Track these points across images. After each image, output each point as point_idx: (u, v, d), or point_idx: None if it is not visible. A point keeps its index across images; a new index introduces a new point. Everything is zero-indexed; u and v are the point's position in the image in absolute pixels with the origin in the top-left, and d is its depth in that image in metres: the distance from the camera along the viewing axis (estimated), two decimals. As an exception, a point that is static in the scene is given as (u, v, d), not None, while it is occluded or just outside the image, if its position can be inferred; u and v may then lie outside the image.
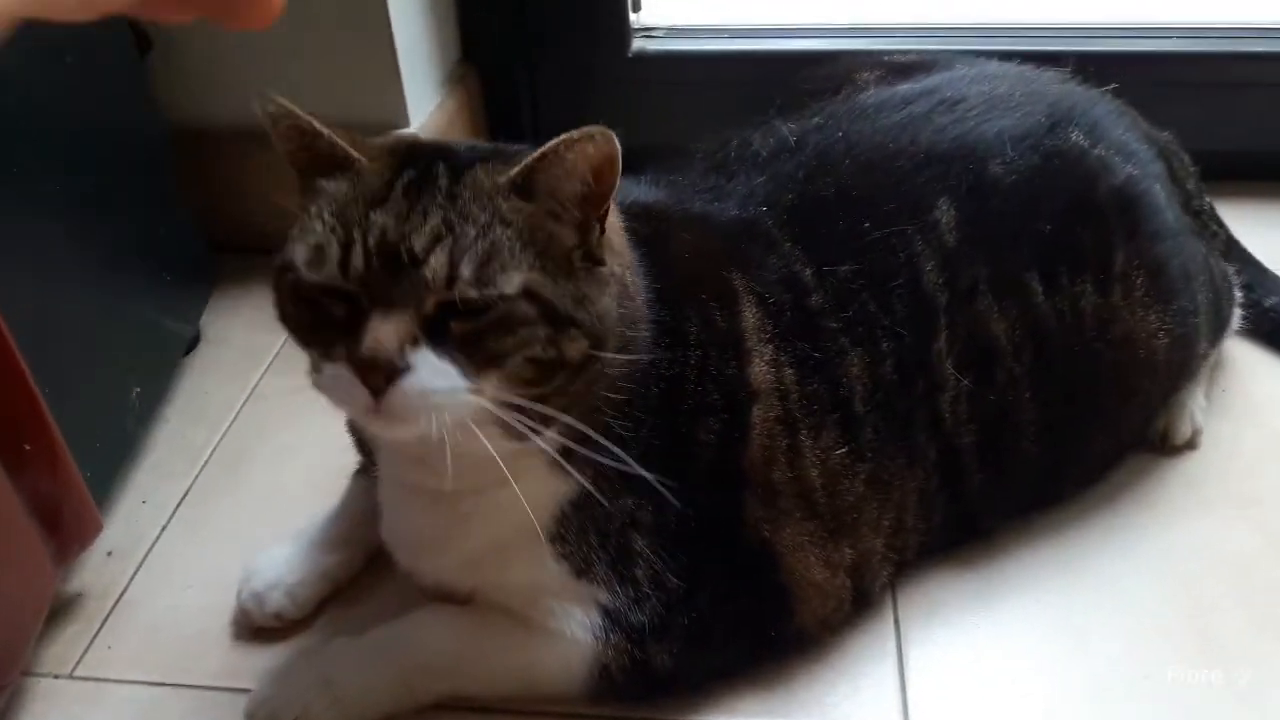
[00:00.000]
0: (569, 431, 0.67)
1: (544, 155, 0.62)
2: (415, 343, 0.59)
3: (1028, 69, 0.95)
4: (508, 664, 0.77)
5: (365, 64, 1.15)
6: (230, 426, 1.09)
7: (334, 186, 0.64)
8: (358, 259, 0.60)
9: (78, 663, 0.86)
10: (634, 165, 0.71)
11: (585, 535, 0.72)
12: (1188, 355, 0.93)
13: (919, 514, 0.83)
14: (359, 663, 0.78)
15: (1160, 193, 0.90)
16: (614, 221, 0.70)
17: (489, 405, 0.62)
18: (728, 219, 0.82)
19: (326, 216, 0.62)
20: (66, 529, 0.84)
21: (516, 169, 0.63)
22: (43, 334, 0.82)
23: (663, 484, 0.70)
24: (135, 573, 0.93)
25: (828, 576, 0.79)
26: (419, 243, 0.59)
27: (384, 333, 0.58)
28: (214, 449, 1.07)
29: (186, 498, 1.01)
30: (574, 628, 0.74)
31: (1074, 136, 0.87)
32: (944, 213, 0.82)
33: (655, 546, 0.73)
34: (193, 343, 1.18)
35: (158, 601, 0.91)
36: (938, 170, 0.83)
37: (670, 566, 0.74)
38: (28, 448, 0.79)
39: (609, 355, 0.65)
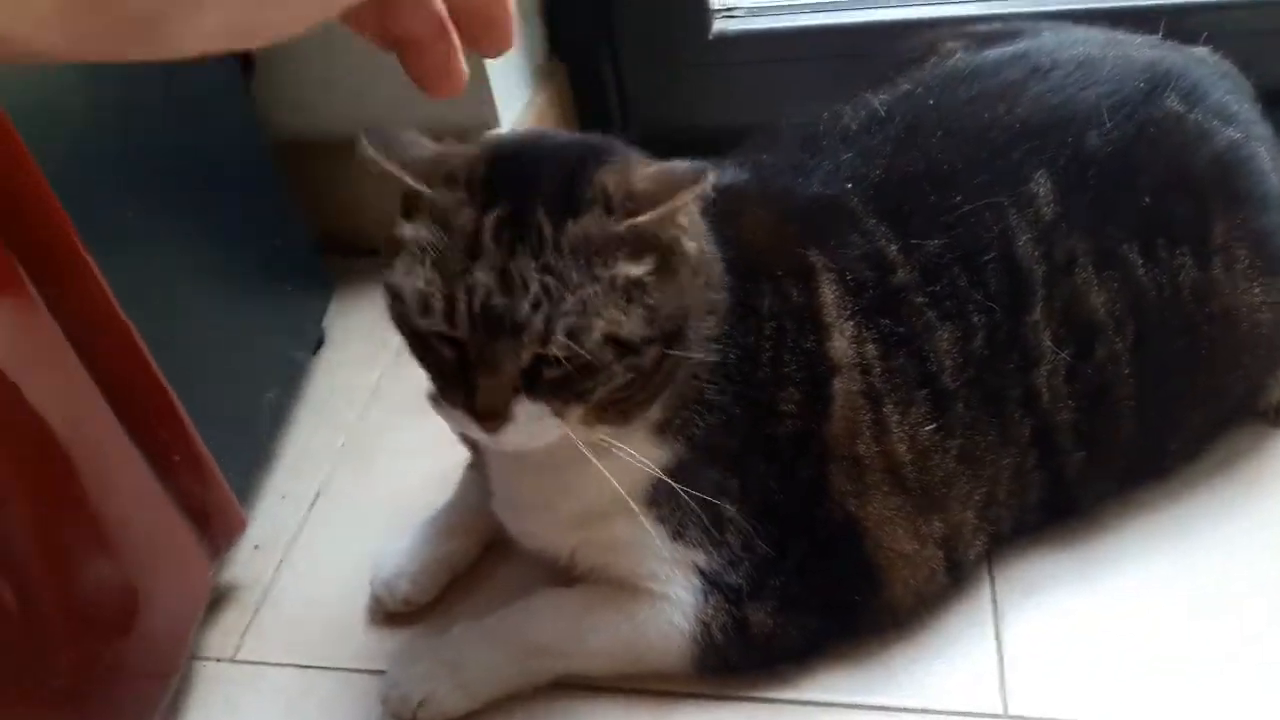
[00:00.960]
0: (663, 405, 0.71)
1: (659, 215, 0.64)
2: (516, 392, 0.65)
3: (1117, 33, 0.92)
4: (615, 636, 0.81)
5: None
6: (355, 425, 1.15)
7: (425, 230, 0.65)
8: (462, 318, 0.63)
9: (237, 648, 0.94)
10: (721, 147, 0.72)
11: (679, 500, 0.75)
12: None
13: (1012, 489, 0.83)
14: (479, 646, 0.84)
15: (1265, 157, 0.86)
16: (693, 213, 0.71)
17: (579, 430, 0.68)
18: (808, 196, 0.82)
19: (428, 266, 0.64)
20: (215, 527, 0.92)
21: (626, 226, 0.64)
22: (179, 352, 0.87)
23: (747, 451, 0.74)
24: (280, 564, 1.01)
25: (917, 549, 0.80)
26: (520, 310, 0.62)
27: (493, 395, 0.65)
28: (342, 446, 1.13)
29: (321, 493, 1.07)
30: (675, 588, 0.78)
31: (1170, 102, 0.83)
32: (1041, 185, 0.80)
33: (747, 513, 0.76)
34: (319, 344, 1.24)
35: (301, 590, 0.98)
36: (1034, 142, 0.80)
37: (760, 533, 0.76)
38: (176, 458, 0.87)
39: (681, 354, 0.68)
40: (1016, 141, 0.81)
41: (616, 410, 0.69)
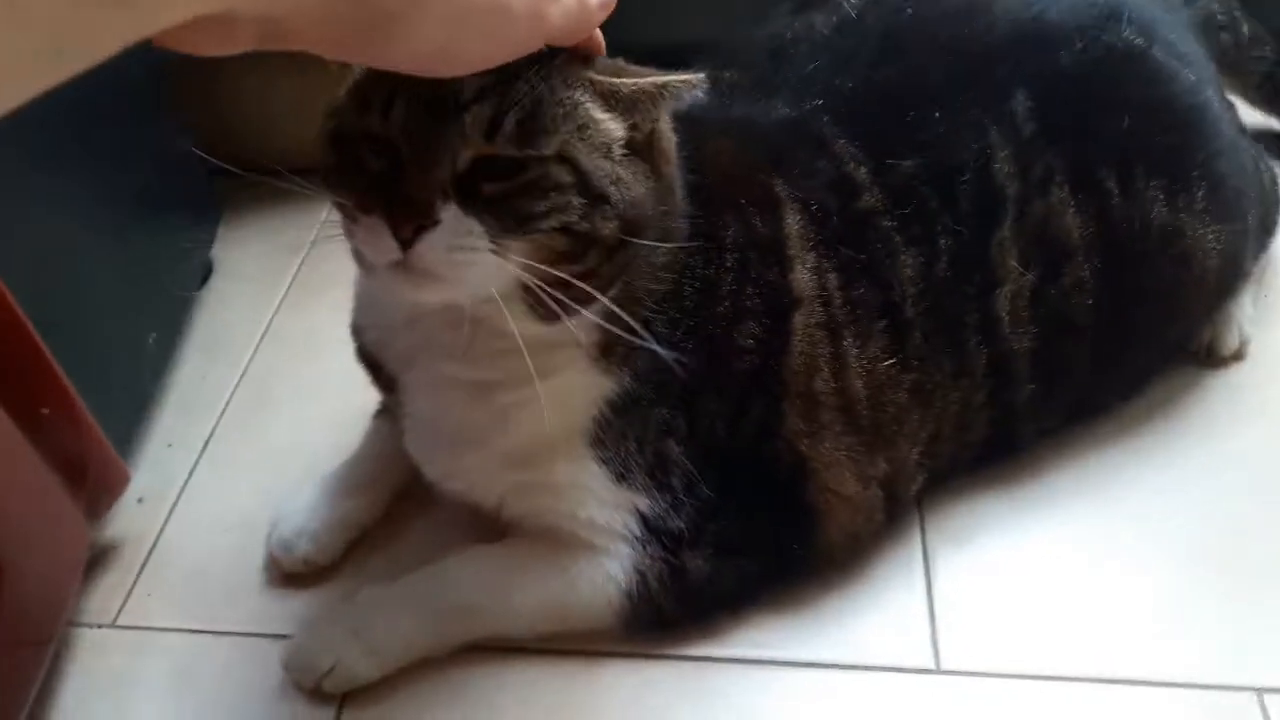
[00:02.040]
0: (606, 319, 0.66)
1: (640, 86, 0.62)
2: (446, 197, 0.58)
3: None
4: (543, 593, 0.77)
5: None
6: (250, 363, 1.08)
7: None
8: (400, 104, 0.58)
9: (119, 612, 0.87)
10: (680, 62, 0.68)
11: (624, 440, 0.72)
12: (1236, 270, 0.90)
13: (959, 424, 0.82)
14: (390, 610, 0.79)
15: (1215, 100, 0.85)
16: (664, 126, 0.68)
17: (516, 270, 0.61)
18: (772, 122, 0.79)
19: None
20: (93, 483, 0.84)
21: (608, 84, 0.62)
22: (45, 289, 0.80)
23: (698, 389, 0.71)
24: (167, 518, 0.94)
25: (859, 490, 0.78)
26: (465, 90, 0.58)
27: (418, 188, 0.58)
28: (235, 388, 1.05)
29: (212, 439, 1.00)
30: (612, 539, 0.75)
31: (1128, 34, 0.81)
32: (1020, 103, 0.78)
33: (691, 454, 0.73)
34: (205, 275, 1.16)
35: (191, 546, 0.91)
36: (1013, 58, 0.79)
37: (705, 475, 0.74)
38: (45, 411, 0.79)
39: (643, 242, 0.64)
40: (996, 57, 0.79)
41: (562, 266, 0.62)
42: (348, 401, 0.95)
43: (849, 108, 0.78)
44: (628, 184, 0.63)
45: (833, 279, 0.75)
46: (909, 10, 0.82)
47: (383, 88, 0.59)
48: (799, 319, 0.74)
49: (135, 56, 0.35)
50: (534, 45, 0.55)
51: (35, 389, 0.77)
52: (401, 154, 0.59)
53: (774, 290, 0.73)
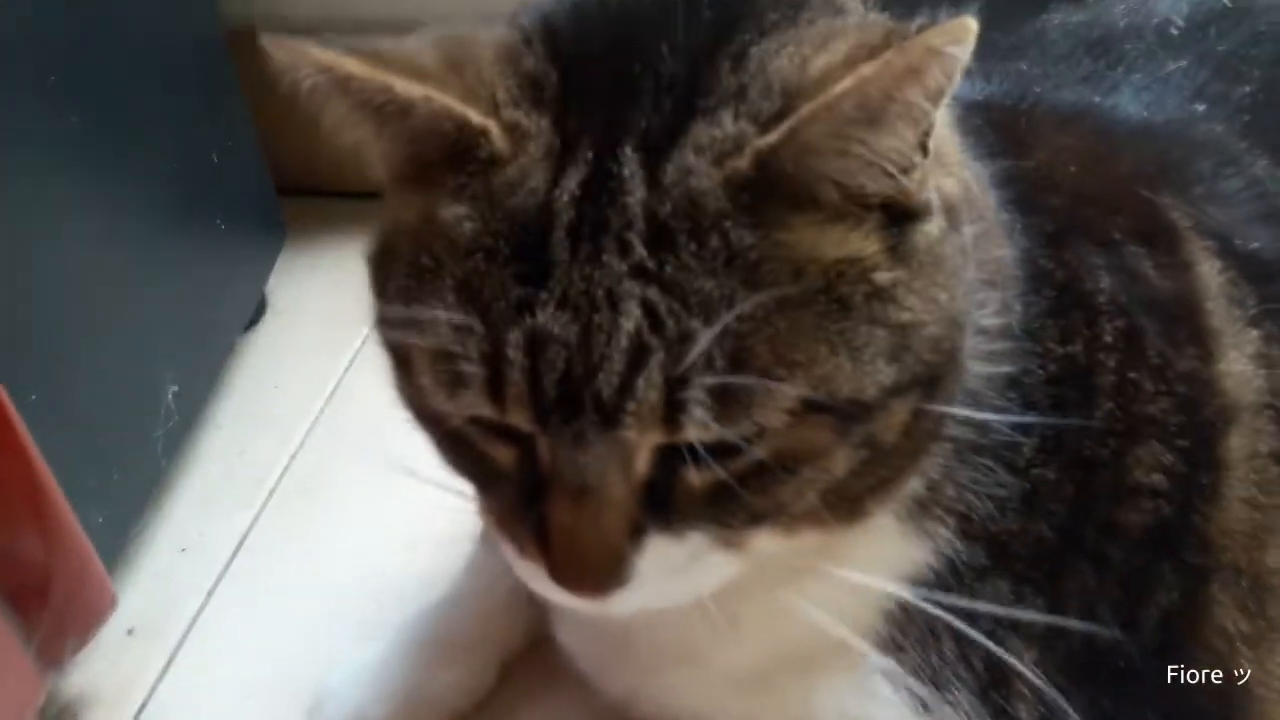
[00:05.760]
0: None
1: (820, 109, 0.37)
2: (637, 534, 0.41)
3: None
4: None
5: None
6: (305, 440, 0.87)
7: (453, 214, 0.40)
8: (516, 387, 0.39)
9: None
10: None
11: (935, 642, 0.52)
12: None
13: None
14: None
15: None
16: (940, 127, 0.45)
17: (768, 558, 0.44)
18: (1135, 118, 0.61)
19: (449, 293, 0.39)
20: (60, 613, 0.64)
21: (766, 144, 0.37)
22: (27, 310, 0.63)
23: (1063, 553, 0.51)
24: (168, 664, 0.71)
25: None
26: (612, 369, 0.37)
27: (582, 541, 0.40)
28: (282, 475, 0.84)
29: (242, 548, 0.79)
30: None
31: None
32: None
33: (1049, 666, 0.52)
34: (256, 315, 0.98)
35: (195, 715, 0.69)
36: None
37: (1073, 701, 0.52)
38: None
39: (947, 409, 0.44)
40: None
41: (836, 506, 0.44)
42: (440, 507, 0.70)
43: (1252, 118, 0.61)
44: (914, 324, 0.41)
45: None
46: None
47: (474, 345, 0.39)
48: (1237, 442, 0.53)
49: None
50: None
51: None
52: (541, 461, 0.41)
53: (1191, 389, 0.53)
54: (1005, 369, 0.49)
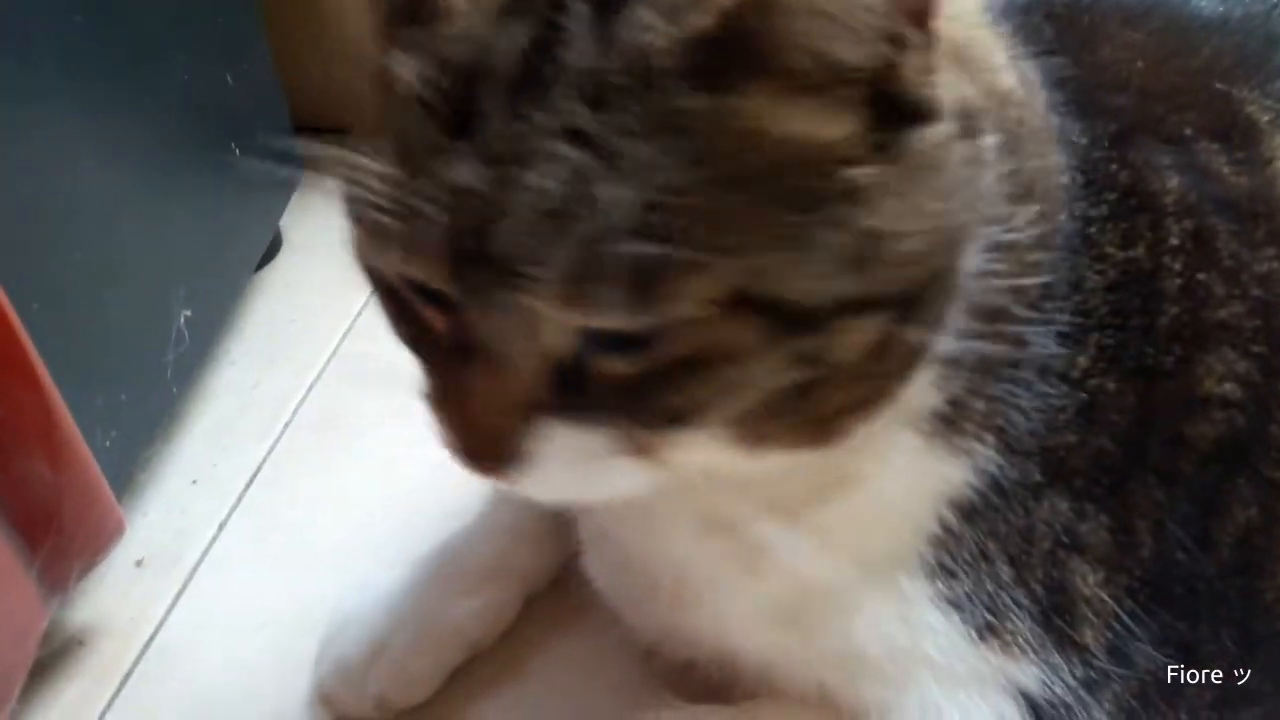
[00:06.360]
0: (946, 368, 0.43)
1: None
2: (534, 414, 0.39)
3: None
4: None
5: None
6: (321, 375, 0.83)
7: (401, 66, 0.37)
8: (430, 240, 0.36)
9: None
10: None
11: (987, 565, 0.48)
12: None
13: None
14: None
15: None
16: (965, 26, 0.43)
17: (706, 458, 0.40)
18: (1210, 11, 0.55)
19: (387, 145, 0.37)
20: (66, 537, 0.60)
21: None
22: (29, 224, 0.58)
23: (1130, 465, 0.47)
24: (177, 596, 0.67)
25: None
26: (524, 229, 0.34)
27: (472, 409, 0.39)
28: (297, 408, 0.80)
29: (255, 480, 0.74)
30: None
31: None
32: None
33: (1117, 590, 0.48)
34: (270, 250, 0.94)
35: (203, 648, 0.64)
36: None
37: (1143, 626, 0.48)
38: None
39: (923, 331, 0.39)
40: None
41: (795, 423, 0.40)
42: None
43: None
44: (886, 238, 0.37)
45: None
46: None
47: (396, 191, 0.37)
48: None
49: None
50: None
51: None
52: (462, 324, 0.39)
53: (1268, 293, 0.48)
54: (1040, 280, 0.46)
